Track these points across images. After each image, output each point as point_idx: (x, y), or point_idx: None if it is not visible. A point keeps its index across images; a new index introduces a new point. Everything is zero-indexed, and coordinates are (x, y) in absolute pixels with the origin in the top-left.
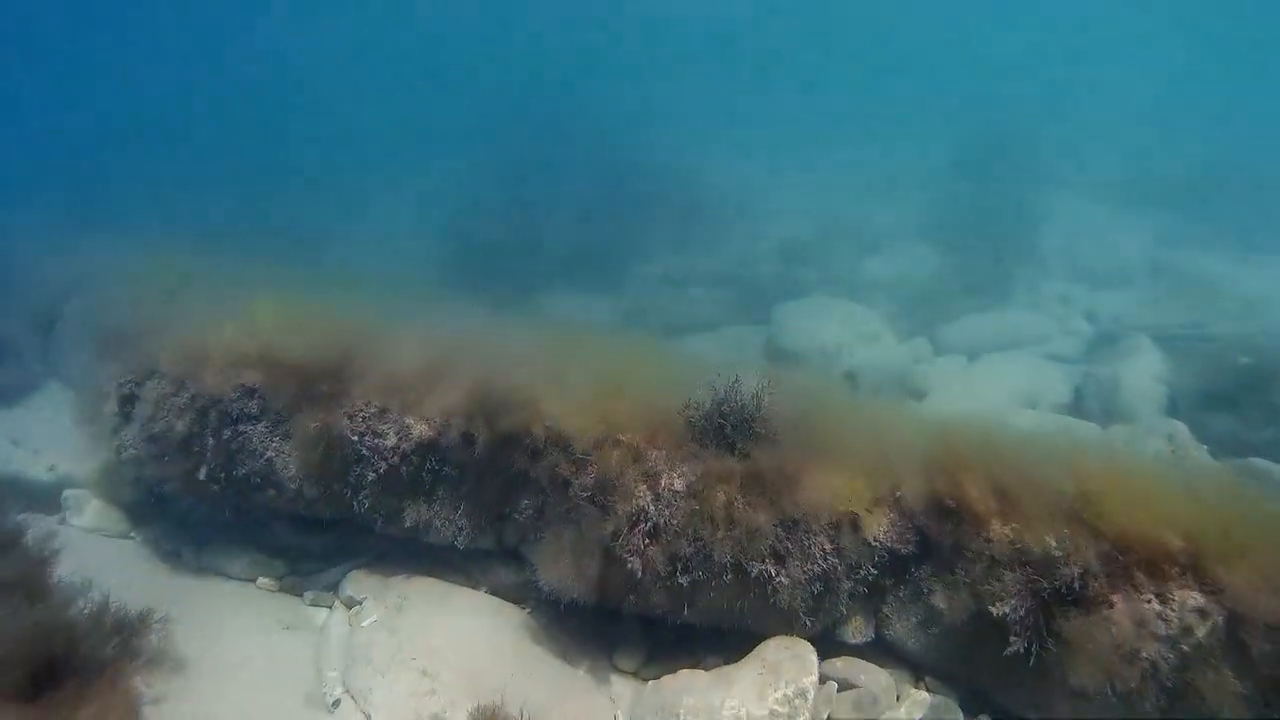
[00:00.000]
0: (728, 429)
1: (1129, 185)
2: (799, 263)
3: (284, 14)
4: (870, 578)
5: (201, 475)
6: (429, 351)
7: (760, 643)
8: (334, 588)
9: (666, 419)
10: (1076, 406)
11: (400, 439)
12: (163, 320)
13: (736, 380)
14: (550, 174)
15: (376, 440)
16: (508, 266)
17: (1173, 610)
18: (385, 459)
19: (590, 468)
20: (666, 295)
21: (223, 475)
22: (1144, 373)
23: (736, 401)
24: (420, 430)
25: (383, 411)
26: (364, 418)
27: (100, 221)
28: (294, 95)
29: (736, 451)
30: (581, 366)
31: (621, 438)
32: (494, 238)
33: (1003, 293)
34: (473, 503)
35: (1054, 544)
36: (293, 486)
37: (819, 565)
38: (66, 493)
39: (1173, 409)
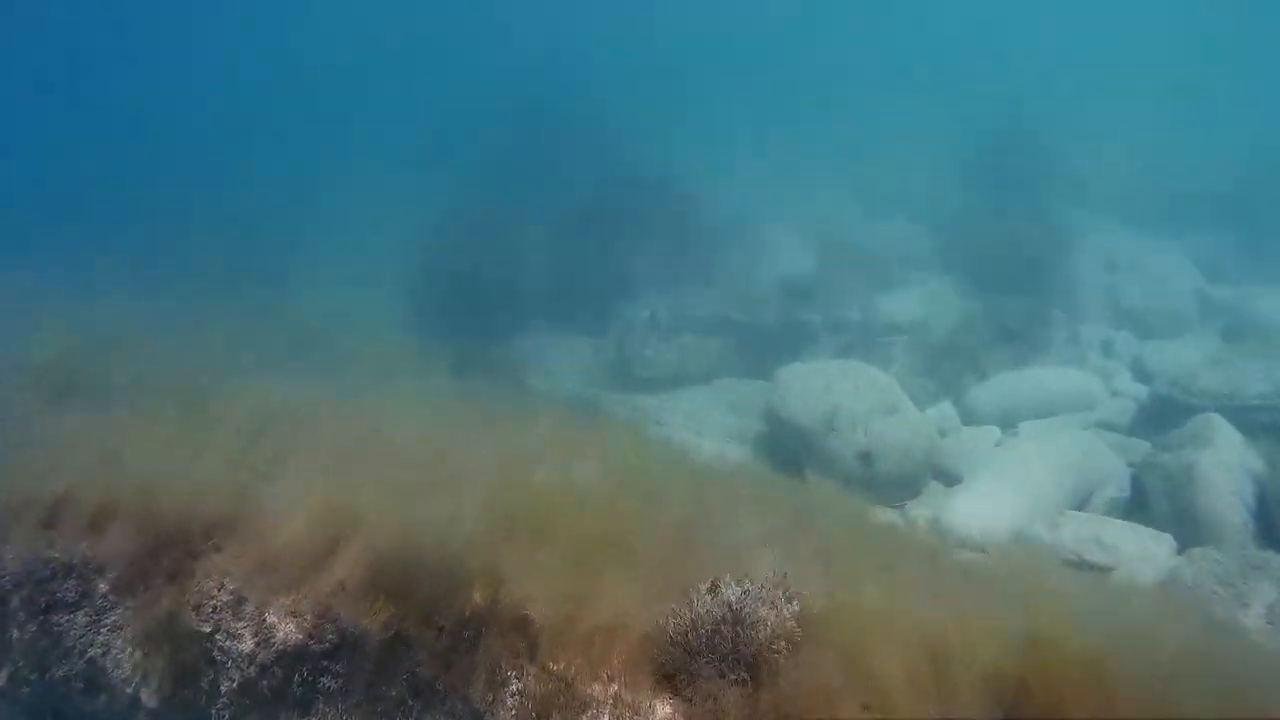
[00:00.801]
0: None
1: (1159, 198)
2: (803, 302)
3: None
4: None
5: (2, 681)
6: (320, 508)
7: None
8: None
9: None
10: (1138, 504)
11: (259, 644)
12: None
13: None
14: (530, 193)
15: (230, 642)
16: (481, 303)
17: None
18: (240, 668)
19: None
20: (655, 341)
21: (34, 677)
22: (1223, 465)
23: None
24: (286, 632)
25: (239, 602)
26: (214, 608)
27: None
28: (262, 107)
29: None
30: (543, 507)
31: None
32: (466, 268)
33: (1037, 341)
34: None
35: None
36: (128, 691)
37: None
38: None
39: (1263, 518)
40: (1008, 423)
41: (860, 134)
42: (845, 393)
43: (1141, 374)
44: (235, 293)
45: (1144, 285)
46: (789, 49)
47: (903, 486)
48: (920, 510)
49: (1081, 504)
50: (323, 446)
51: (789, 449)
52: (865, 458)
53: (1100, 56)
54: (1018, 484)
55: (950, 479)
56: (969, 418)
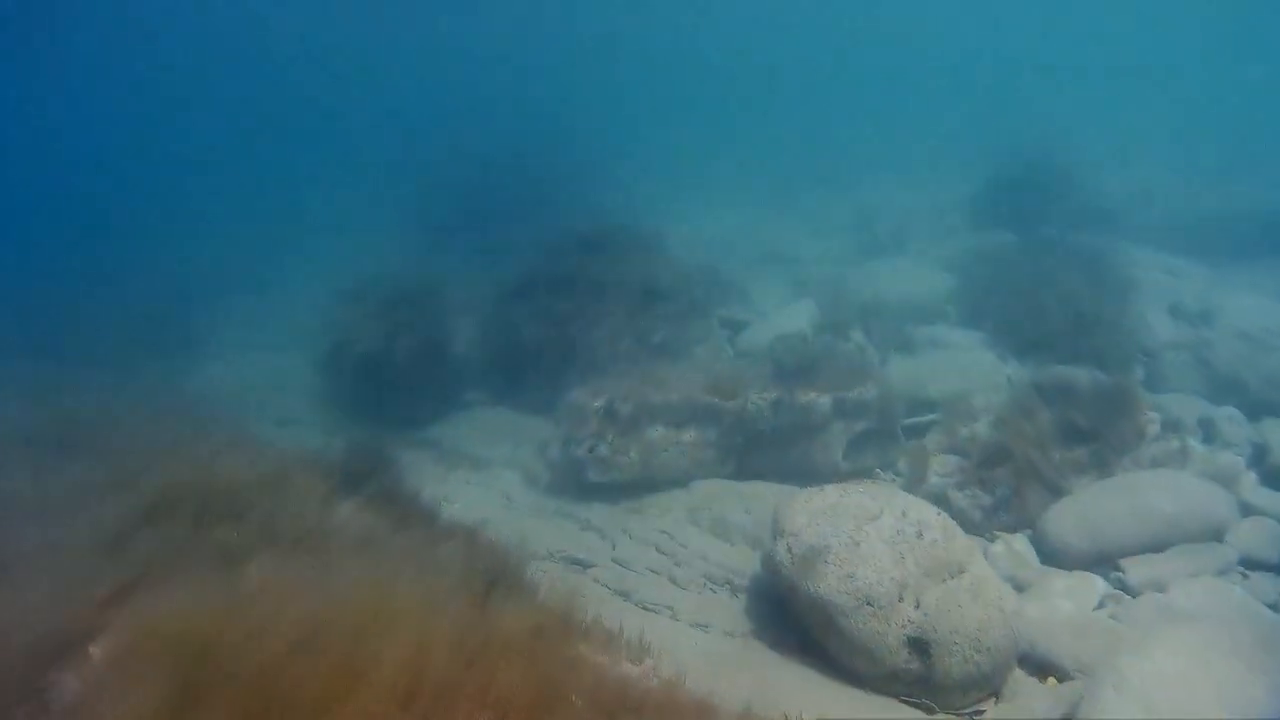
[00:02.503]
0: None
1: (1200, 221)
2: (804, 380)
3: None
4: None
5: None
6: None
7: None
8: None
9: None
10: None
11: None
12: None
13: None
14: (472, 239)
15: None
16: (401, 379)
17: None
18: None
19: None
20: (613, 436)
21: None
22: None
23: None
24: None
25: None
26: None
27: None
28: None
29: None
30: None
31: None
32: (379, 347)
33: (1118, 431)
34: None
35: None
36: None
37: None
38: None
39: None
40: (1103, 559)
41: (853, 160)
42: (878, 547)
43: (1270, 473)
44: (125, 364)
45: (1233, 337)
46: (776, 62)
47: (976, 685)
48: None
49: None
50: None
51: (801, 625)
52: (919, 647)
53: (1117, 63)
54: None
55: (1043, 665)
56: (1047, 552)
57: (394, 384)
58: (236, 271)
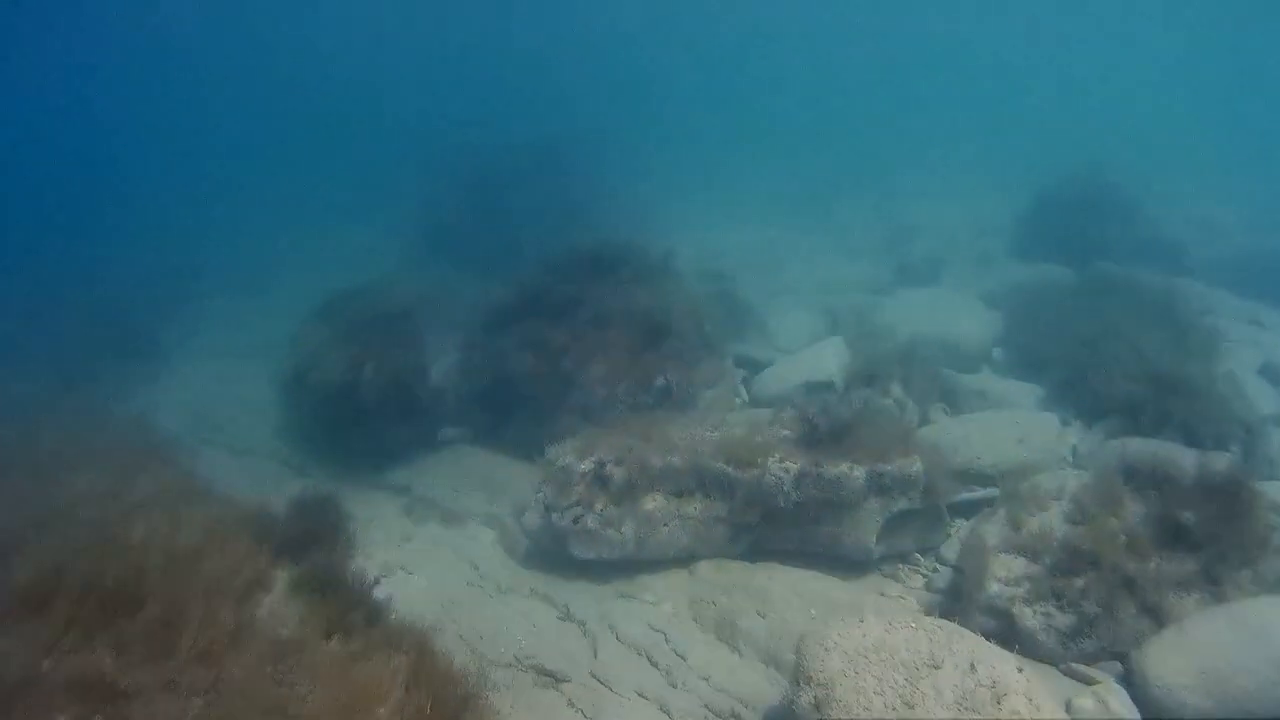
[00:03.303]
0: None
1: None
2: (834, 446)
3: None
4: None
5: None
6: None
7: None
8: None
9: None
10: None
11: None
12: None
13: None
14: (473, 242)
15: None
16: (371, 413)
17: None
18: None
19: None
20: (603, 504)
21: None
22: None
23: None
24: None
25: None
26: None
27: None
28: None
29: None
30: None
31: None
32: (342, 374)
33: (1229, 537)
34: None
35: None
36: None
37: None
38: None
39: None
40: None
41: (890, 169)
42: (943, 707)
43: None
44: (88, 370)
45: None
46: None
47: None
48: None
49: None
50: None
51: None
52: None
53: (1169, 82)
54: None
55: None
56: (1147, 701)
57: (358, 420)
58: (233, 270)
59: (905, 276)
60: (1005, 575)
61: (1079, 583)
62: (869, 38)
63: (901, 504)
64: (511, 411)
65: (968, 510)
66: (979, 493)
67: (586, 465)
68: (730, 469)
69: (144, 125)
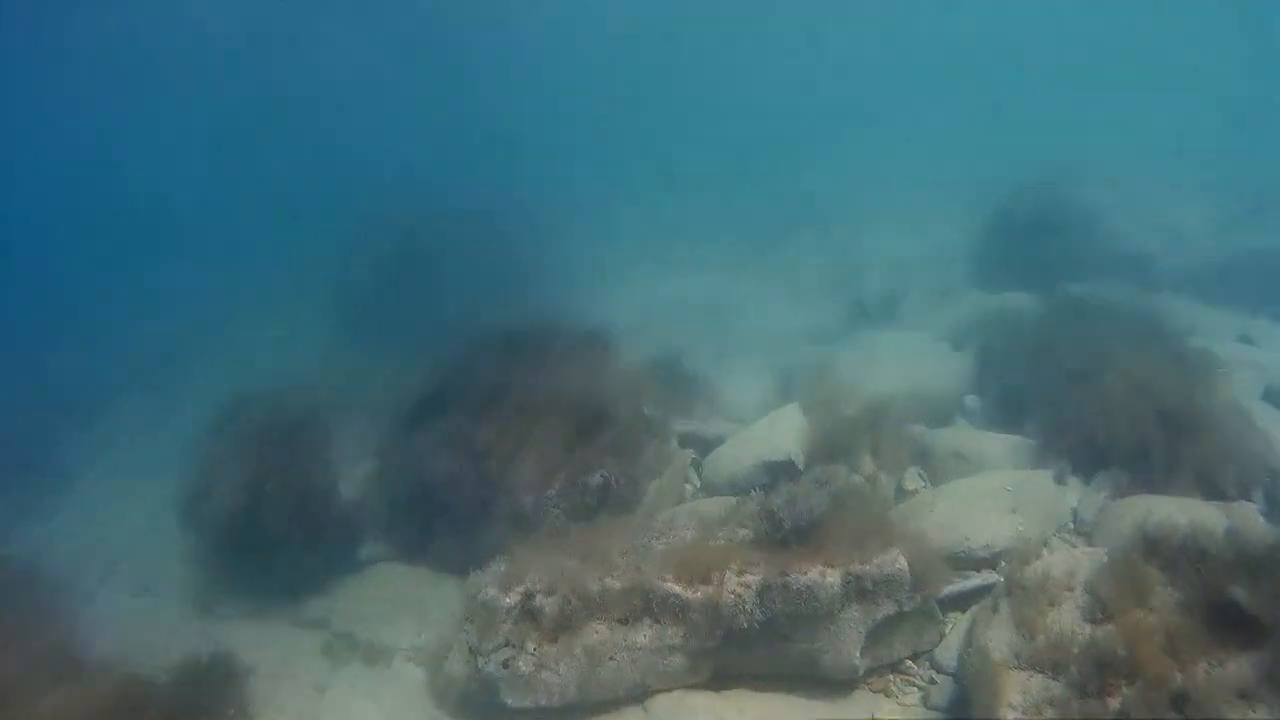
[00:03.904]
0: None
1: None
2: (800, 546)
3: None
4: None
5: None
6: None
7: None
8: None
9: None
10: None
11: None
12: None
13: None
14: (391, 325)
15: None
16: (271, 545)
17: None
18: None
19: None
20: (535, 642)
21: None
22: None
23: None
24: None
25: None
26: None
27: None
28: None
29: None
30: None
31: None
32: (239, 497)
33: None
34: None
35: None
36: None
37: None
38: None
39: None
40: None
41: (833, 201)
42: None
43: None
44: None
45: None
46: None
47: None
48: None
49: None
50: None
51: None
52: None
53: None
54: None
55: None
56: None
57: (264, 547)
58: (138, 364)
59: (861, 318)
60: (1022, 700)
61: (1114, 704)
62: (790, 68)
63: (886, 609)
64: (435, 521)
65: (963, 603)
66: (973, 580)
67: (512, 599)
68: (680, 589)
69: (49, 209)
